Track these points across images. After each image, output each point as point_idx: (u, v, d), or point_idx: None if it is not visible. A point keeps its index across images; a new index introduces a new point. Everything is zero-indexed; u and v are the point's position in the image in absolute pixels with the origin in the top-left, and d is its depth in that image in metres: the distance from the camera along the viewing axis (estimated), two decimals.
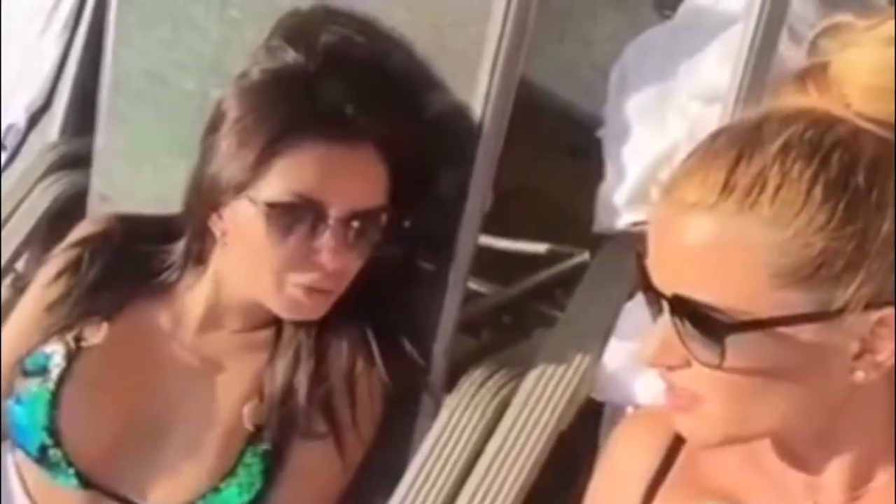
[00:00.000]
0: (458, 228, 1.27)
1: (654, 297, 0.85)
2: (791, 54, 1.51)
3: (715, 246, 0.81)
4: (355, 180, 1.19)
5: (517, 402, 1.19)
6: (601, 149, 1.62)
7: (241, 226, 1.20)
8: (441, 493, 1.17)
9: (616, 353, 1.21)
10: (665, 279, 0.84)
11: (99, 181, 1.56)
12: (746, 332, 0.80)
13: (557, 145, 1.72)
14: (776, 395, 0.84)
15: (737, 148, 0.82)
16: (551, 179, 1.66)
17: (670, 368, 0.86)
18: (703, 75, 1.57)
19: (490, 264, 1.34)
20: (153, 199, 1.45)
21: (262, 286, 1.21)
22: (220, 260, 1.26)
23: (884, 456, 0.88)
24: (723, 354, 0.81)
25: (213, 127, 1.23)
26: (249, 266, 1.22)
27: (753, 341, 0.81)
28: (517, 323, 1.58)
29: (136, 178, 1.52)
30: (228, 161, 1.20)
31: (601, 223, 1.58)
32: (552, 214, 1.68)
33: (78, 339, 1.26)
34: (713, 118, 1.52)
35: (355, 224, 1.19)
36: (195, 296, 1.29)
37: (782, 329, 0.81)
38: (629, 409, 1.21)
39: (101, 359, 1.26)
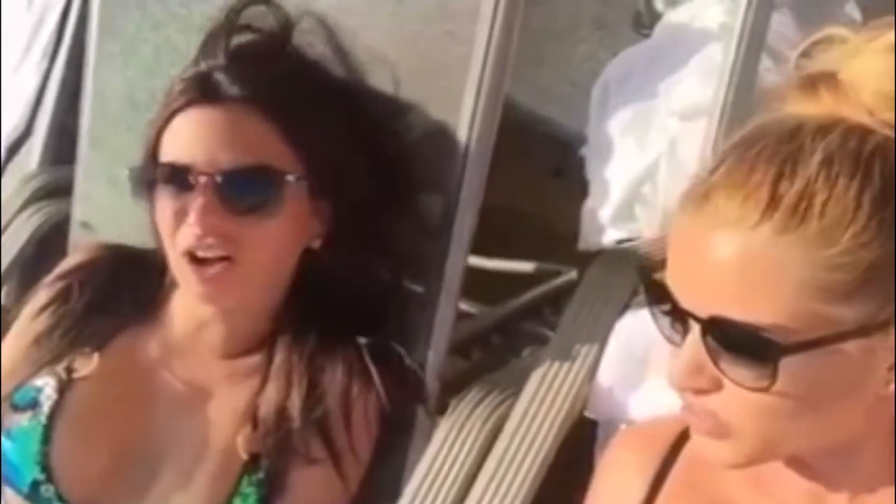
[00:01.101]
0: (448, 249, 1.27)
1: (680, 316, 0.82)
2: (768, 69, 1.54)
3: (759, 265, 0.78)
4: (221, 139, 1.19)
5: (512, 422, 1.19)
6: (583, 167, 1.64)
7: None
8: None
9: (609, 371, 1.21)
10: (699, 299, 0.81)
11: (80, 209, 1.54)
12: (800, 354, 0.78)
13: (539, 164, 1.72)
14: (814, 414, 0.82)
15: (776, 163, 0.80)
16: (534, 198, 1.67)
17: (698, 392, 0.83)
18: (682, 92, 1.59)
19: (477, 284, 1.34)
20: (136, 227, 1.43)
21: (173, 267, 1.21)
22: None
23: (886, 467, 0.87)
24: (774, 377, 0.78)
25: None
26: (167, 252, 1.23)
27: (804, 362, 0.79)
28: (507, 343, 1.58)
29: (119, 205, 1.49)
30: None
31: (586, 240, 1.59)
32: (536, 233, 1.68)
33: (69, 371, 1.24)
34: (694, 134, 1.54)
35: (220, 180, 1.17)
36: (176, 314, 1.29)
37: (830, 347, 0.79)
38: (622, 427, 1.21)
39: (93, 390, 1.24)
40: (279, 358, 1.24)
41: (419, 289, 1.29)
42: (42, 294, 1.30)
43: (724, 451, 0.85)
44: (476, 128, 1.27)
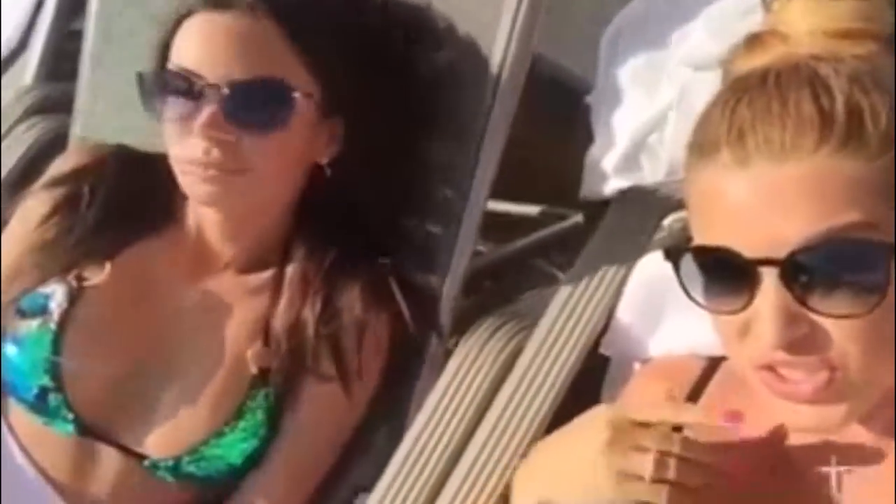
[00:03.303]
0: (469, 190, 1.27)
1: (748, 272, 0.79)
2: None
3: (830, 183, 0.77)
4: (231, 49, 1.16)
5: (528, 353, 1.18)
6: (589, 114, 1.63)
7: None
8: (451, 442, 1.15)
9: (629, 308, 1.20)
10: (772, 243, 0.78)
11: (81, 124, 1.50)
12: None
13: (545, 109, 1.71)
14: None
15: (803, 86, 0.80)
16: (539, 143, 1.66)
17: (801, 345, 0.78)
18: (694, 42, 1.59)
19: (485, 224, 1.33)
20: (138, 144, 1.40)
21: (176, 173, 1.19)
22: None
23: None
24: (886, 285, 0.76)
25: None
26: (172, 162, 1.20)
27: None
28: (514, 280, 1.58)
29: (121, 121, 1.46)
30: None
31: (589, 189, 1.58)
32: (541, 178, 1.67)
33: (80, 279, 1.21)
34: (705, 84, 1.54)
35: (226, 91, 1.15)
36: (187, 228, 1.26)
37: None
38: (636, 366, 1.21)
39: (104, 299, 1.22)
40: (294, 271, 1.23)
41: (439, 228, 1.28)
42: (46, 197, 1.26)
43: (832, 408, 0.80)
44: (507, 68, 1.27)
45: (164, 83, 1.18)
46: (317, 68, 1.19)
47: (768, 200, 0.79)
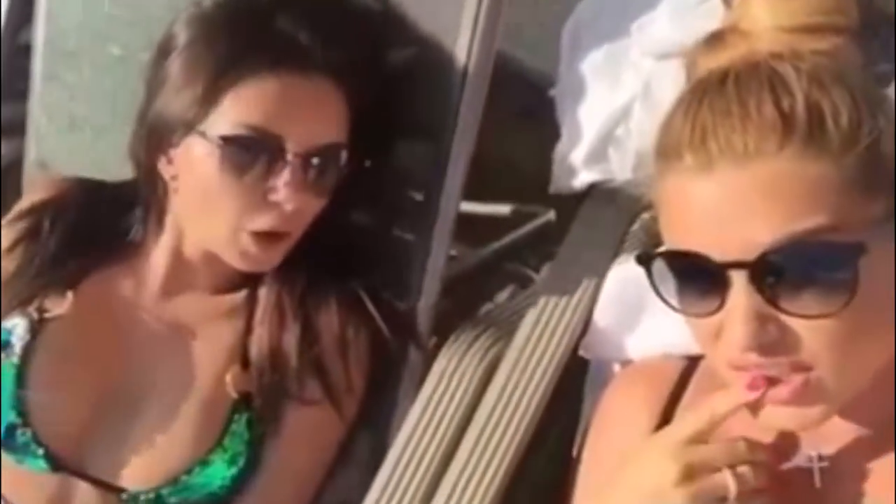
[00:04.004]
0: (440, 196, 1.24)
1: (717, 275, 0.78)
2: None
3: (795, 184, 0.77)
4: (313, 113, 1.13)
5: (509, 360, 1.17)
6: (553, 108, 1.61)
7: (194, 166, 1.13)
8: (436, 455, 1.14)
9: (607, 311, 1.19)
10: (740, 245, 0.78)
11: (35, 147, 1.46)
12: (871, 252, 0.76)
13: (508, 106, 1.70)
14: (884, 327, 0.80)
15: (763, 87, 0.80)
16: (505, 140, 1.64)
17: (770, 348, 0.79)
18: (656, 32, 1.58)
19: (456, 227, 1.31)
20: (94, 165, 1.37)
21: (217, 234, 1.15)
22: (176, 210, 1.19)
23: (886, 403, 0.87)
24: (856, 283, 0.76)
25: (162, 54, 1.16)
26: (203, 212, 1.16)
27: (874, 262, 0.77)
28: (488, 283, 1.56)
29: (75, 143, 1.43)
30: (176, 93, 1.13)
31: (558, 184, 1.57)
32: (507, 176, 1.66)
33: (41, 311, 1.18)
34: (668, 74, 1.52)
35: (315, 161, 1.12)
36: (158, 254, 1.23)
37: (880, 244, 0.78)
38: (616, 367, 1.20)
39: (67, 330, 1.19)
40: (269, 296, 1.20)
41: (411, 236, 1.26)
42: (7, 232, 1.23)
43: (808, 409, 0.80)
44: (473, 64, 1.24)
45: (242, 144, 1.11)
46: (354, 120, 1.17)
47: (734, 204, 0.78)
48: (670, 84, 1.49)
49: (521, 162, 1.62)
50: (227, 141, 1.11)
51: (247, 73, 1.10)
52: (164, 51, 1.16)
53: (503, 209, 1.67)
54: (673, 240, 0.84)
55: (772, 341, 0.79)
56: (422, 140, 1.25)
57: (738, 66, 0.83)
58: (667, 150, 0.83)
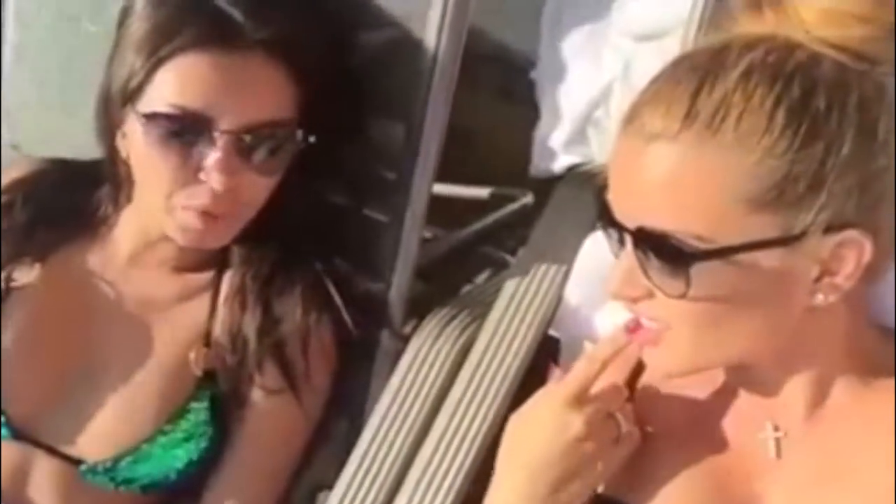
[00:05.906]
0: (412, 176, 1.22)
1: (617, 230, 0.86)
2: None
3: (679, 175, 0.82)
4: (246, 91, 1.10)
5: (481, 341, 1.16)
6: (532, 89, 1.60)
7: (133, 143, 1.12)
8: (408, 436, 1.14)
9: (577, 289, 1.19)
10: (629, 211, 0.85)
11: (8, 130, 1.44)
12: (711, 261, 0.82)
13: (488, 87, 1.68)
14: (741, 321, 0.85)
15: (698, 75, 0.83)
16: (483, 122, 1.63)
17: (634, 300, 0.87)
18: (635, 13, 1.56)
19: (432, 209, 1.29)
20: (70, 147, 1.35)
21: (155, 209, 1.14)
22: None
23: (842, 375, 0.90)
24: (688, 283, 0.82)
25: (118, 24, 1.15)
26: (141, 187, 1.15)
27: (718, 269, 0.82)
28: (465, 266, 1.55)
29: (48, 124, 1.41)
30: (118, 69, 1.12)
31: (538, 166, 1.56)
32: (486, 158, 1.65)
33: (8, 280, 1.17)
34: (648, 56, 1.52)
35: (248, 139, 1.10)
36: (124, 230, 1.22)
37: (746, 255, 0.82)
38: (587, 345, 1.19)
39: (33, 300, 1.19)
40: (233, 278, 1.20)
41: (383, 216, 1.24)
42: None
43: (663, 358, 0.89)
44: (443, 43, 1.21)
45: (166, 122, 1.10)
46: (305, 96, 1.14)
47: (629, 175, 0.85)
48: (651, 66, 1.50)
49: (501, 144, 1.60)
50: (149, 118, 1.09)
51: (178, 51, 1.09)
52: (119, 21, 1.15)
53: (481, 192, 1.66)
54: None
55: (637, 297, 0.87)
56: (393, 118, 1.23)
57: (703, 49, 0.86)
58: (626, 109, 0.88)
